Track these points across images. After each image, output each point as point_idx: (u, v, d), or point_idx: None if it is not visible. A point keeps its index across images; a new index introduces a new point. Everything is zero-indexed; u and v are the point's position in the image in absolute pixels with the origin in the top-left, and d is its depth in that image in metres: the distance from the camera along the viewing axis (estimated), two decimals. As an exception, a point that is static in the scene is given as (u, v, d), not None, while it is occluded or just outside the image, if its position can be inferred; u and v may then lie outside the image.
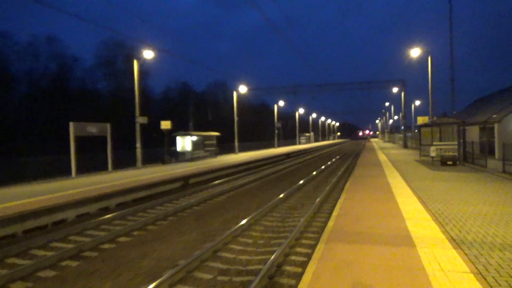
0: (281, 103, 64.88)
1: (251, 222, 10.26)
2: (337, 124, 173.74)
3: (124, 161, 26.26)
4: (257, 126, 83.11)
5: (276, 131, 62.13)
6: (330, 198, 13.45)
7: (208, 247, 7.75)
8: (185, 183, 18.72)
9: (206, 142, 33.89)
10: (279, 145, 66.57)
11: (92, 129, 20.77)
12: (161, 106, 73.05)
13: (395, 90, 48.86)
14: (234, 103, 43.10)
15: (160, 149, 29.88)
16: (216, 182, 19.03)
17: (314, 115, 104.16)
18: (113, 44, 58.60)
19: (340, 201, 9.77)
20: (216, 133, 35.97)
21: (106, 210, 13.07)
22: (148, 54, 24.47)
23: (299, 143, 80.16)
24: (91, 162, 23.74)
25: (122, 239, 9.20)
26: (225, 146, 44.60)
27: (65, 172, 20.24)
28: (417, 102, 69.56)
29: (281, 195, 14.00)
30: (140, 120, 25.26)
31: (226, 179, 20.24)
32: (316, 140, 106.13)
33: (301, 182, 17.86)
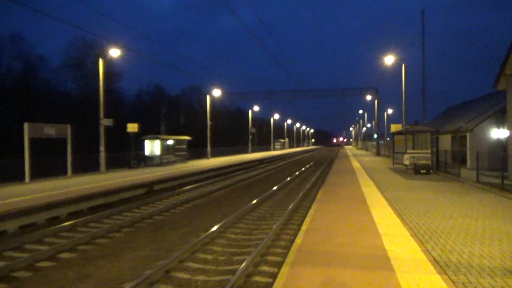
0: (256, 108, 64.32)
1: (214, 234, 9.32)
2: (312, 131, 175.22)
3: (88, 165, 24.74)
4: (232, 131, 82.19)
5: (250, 137, 61.36)
6: (302, 208, 12.67)
7: (160, 266, 6.76)
8: (150, 189, 17.54)
9: (177, 146, 32.64)
10: (254, 151, 65.79)
11: (50, 130, 19.29)
12: (134, 109, 70.97)
13: (368, 98, 49.18)
14: (208, 107, 42.06)
15: (130, 153, 28.45)
16: (184, 188, 17.96)
17: (289, 122, 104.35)
18: (83, 44, 56.50)
19: (311, 212, 8.98)
20: (187, 137, 34.78)
21: (55, 220, 11.79)
22: (114, 52, 23.17)
23: (274, 149, 79.67)
24: (51, 166, 22.16)
25: (64, 255, 8.06)
26: (197, 151, 43.43)
27: (20, 176, 18.65)
28: (390, 111, 70.69)
29: (250, 204, 13.14)
30: (105, 122, 23.87)
31: (194, 185, 19.19)
32: (291, 147, 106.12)
33: (273, 189, 17.05)
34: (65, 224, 10.63)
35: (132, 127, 25.38)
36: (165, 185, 19.17)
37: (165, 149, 30.33)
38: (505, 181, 14.09)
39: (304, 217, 9.52)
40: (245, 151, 60.43)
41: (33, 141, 22.10)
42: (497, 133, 21.73)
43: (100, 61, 23.74)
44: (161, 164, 29.05)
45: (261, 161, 41.21)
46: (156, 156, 29.21)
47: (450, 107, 45.38)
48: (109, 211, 12.51)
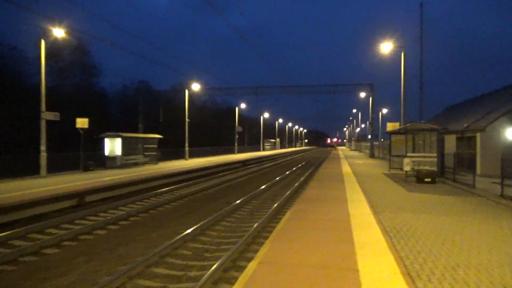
0: (244, 106, 60.61)
1: (96, 297, 5.53)
2: (305, 130, 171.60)
3: (32, 167, 20.80)
4: (219, 130, 78.20)
5: (237, 136, 57.61)
6: (256, 243, 8.85)
7: None
8: (80, 202, 13.67)
9: (146, 145, 28.79)
10: (241, 151, 62.08)
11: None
12: (119, 106, 66.72)
13: (362, 95, 45.60)
14: (186, 103, 38.22)
15: (83, 153, 24.46)
16: (128, 200, 14.13)
17: (281, 121, 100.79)
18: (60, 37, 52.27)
19: (253, 265, 5.17)
20: (158, 136, 30.93)
21: None
22: (58, 32, 19.28)
23: (263, 150, 75.94)
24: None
25: None
26: (176, 151, 39.69)
27: None
28: (385, 110, 67.11)
29: (196, 226, 9.40)
30: (47, 116, 19.94)
31: (145, 195, 15.34)
32: (282, 147, 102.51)
33: (239, 201, 13.30)
34: None
35: (82, 123, 21.45)
36: (108, 194, 15.30)
37: (130, 148, 26.50)
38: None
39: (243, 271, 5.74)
40: (231, 151, 56.65)
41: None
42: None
43: (42, 43, 19.80)
44: (124, 165, 25.22)
45: (243, 162, 37.44)
46: (118, 156, 25.34)
47: (449, 106, 41.87)
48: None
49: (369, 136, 50.33)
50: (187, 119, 38.22)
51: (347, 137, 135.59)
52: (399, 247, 5.93)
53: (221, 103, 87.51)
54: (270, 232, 9.22)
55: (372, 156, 40.85)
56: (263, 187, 17.87)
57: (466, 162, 20.03)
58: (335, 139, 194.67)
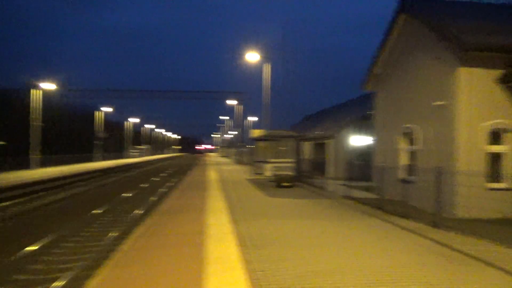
0: (109, 109, 56.17)
1: None
2: (179, 137, 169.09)
3: None
4: (82, 136, 70.83)
5: (99, 142, 53.01)
6: (102, 262, 7.74)
7: None
8: None
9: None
10: (107, 158, 57.22)
11: None
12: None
13: (234, 102, 46.97)
14: (31, 103, 33.31)
15: None
16: None
17: (152, 127, 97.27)
18: None
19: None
20: (-4, 142, 26.12)
21: None
22: None
23: (130, 157, 71.70)
24: None
25: None
26: (23, 159, 34.25)
27: None
28: (254, 118, 70.41)
29: (21, 254, 7.70)
30: None
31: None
32: (152, 154, 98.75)
33: (83, 219, 11.68)
34: None
35: None
36: None
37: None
38: (372, 195, 12.04)
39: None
40: (94, 158, 51.72)
41: None
42: (357, 140, 20.56)
43: None
44: None
45: (105, 171, 34.32)
46: None
47: (308, 115, 45.94)
48: None
49: (239, 143, 51.93)
50: (35, 123, 33.39)
51: (218, 144, 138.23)
52: (252, 259, 5.65)
53: (86, 106, 79.72)
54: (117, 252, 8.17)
55: (239, 162, 42.04)
56: (119, 199, 16.28)
57: (320, 167, 21.90)
58: (206, 146, 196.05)
